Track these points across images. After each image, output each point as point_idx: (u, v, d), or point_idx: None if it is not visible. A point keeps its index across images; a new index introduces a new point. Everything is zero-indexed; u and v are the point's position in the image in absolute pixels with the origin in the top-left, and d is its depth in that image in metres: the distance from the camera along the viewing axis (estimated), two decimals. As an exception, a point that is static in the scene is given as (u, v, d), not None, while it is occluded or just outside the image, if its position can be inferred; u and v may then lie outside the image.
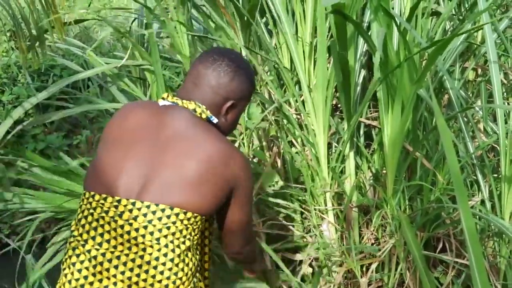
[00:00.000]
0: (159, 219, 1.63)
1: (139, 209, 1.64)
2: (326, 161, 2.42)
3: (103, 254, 1.64)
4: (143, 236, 1.62)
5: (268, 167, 2.55)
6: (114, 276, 1.62)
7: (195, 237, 1.71)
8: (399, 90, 2.20)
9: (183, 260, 1.65)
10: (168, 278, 1.63)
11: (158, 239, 1.62)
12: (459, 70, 2.60)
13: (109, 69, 3.04)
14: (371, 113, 2.60)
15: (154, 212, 1.63)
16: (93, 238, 1.66)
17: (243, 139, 2.63)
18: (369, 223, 2.47)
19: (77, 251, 1.67)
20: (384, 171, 2.40)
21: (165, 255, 1.63)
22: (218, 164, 1.68)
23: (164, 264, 1.63)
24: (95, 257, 1.64)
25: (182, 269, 1.65)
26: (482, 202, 2.38)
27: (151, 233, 1.63)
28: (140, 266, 1.62)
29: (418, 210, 2.35)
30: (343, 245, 2.39)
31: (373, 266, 2.32)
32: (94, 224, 1.67)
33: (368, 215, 2.47)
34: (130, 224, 1.63)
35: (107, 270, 1.63)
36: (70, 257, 1.68)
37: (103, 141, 1.78)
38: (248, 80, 1.85)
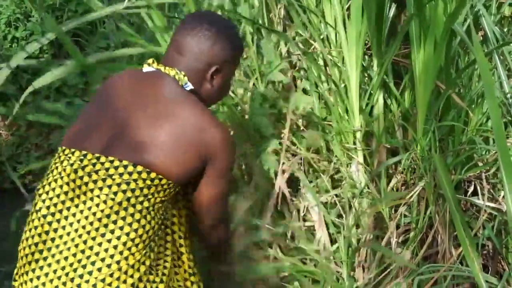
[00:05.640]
0: (120, 174, 1.62)
1: (102, 163, 1.64)
2: (357, 100, 2.33)
3: (55, 205, 1.65)
4: (100, 189, 1.62)
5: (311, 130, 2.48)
6: (71, 224, 1.62)
7: (158, 200, 1.67)
8: (432, 25, 2.10)
9: (138, 220, 1.62)
10: (118, 238, 1.60)
11: (115, 193, 1.61)
12: (495, 5, 2.48)
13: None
14: (399, 50, 2.49)
15: (116, 167, 1.63)
16: (54, 189, 1.67)
17: (254, 84, 2.55)
18: (397, 165, 2.39)
19: (37, 206, 1.69)
20: (414, 111, 2.32)
21: (117, 212, 1.61)
22: (192, 131, 1.68)
23: (115, 222, 1.61)
24: (53, 206, 1.66)
25: (136, 230, 1.61)
26: (516, 143, 2.29)
27: (109, 187, 1.62)
28: (92, 224, 1.61)
29: (450, 151, 2.27)
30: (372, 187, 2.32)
31: (402, 209, 2.26)
32: (57, 176, 1.68)
33: (397, 156, 2.39)
34: (90, 176, 1.63)
35: (58, 221, 1.63)
36: (31, 213, 1.71)
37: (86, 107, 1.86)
38: (230, 42, 1.83)
